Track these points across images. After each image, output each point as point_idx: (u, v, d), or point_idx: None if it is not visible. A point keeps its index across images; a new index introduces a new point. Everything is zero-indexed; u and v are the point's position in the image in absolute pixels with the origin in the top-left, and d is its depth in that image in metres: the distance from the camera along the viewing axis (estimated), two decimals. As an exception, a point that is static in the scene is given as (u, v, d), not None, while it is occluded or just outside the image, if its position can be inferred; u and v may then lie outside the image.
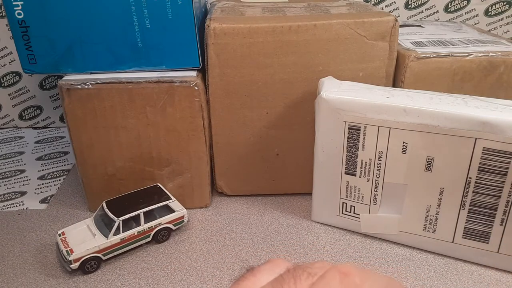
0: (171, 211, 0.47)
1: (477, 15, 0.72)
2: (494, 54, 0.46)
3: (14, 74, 0.74)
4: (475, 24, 0.73)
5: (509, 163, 0.38)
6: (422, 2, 0.72)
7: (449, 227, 0.43)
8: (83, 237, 0.44)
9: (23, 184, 0.60)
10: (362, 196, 0.45)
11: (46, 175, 0.62)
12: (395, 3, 0.72)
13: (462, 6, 0.72)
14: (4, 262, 0.45)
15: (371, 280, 0.16)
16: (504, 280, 0.41)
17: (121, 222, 0.44)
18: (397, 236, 0.46)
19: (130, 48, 0.46)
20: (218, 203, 0.55)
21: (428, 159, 0.41)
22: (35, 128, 0.78)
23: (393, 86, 0.49)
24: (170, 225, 0.47)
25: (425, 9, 0.72)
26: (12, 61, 0.73)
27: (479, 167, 0.39)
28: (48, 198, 0.57)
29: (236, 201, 0.55)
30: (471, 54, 0.47)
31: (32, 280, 0.42)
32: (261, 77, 0.48)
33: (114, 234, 0.43)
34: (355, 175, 0.45)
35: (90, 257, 0.42)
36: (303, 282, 0.16)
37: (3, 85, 0.74)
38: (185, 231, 0.49)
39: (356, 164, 0.44)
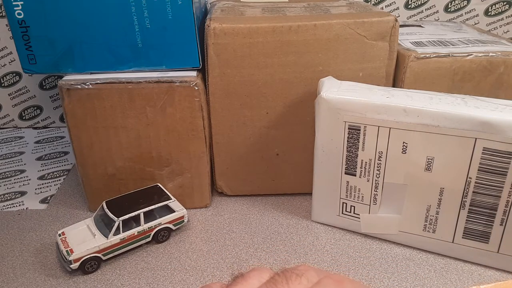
0: (171, 211, 0.47)
1: (477, 15, 0.72)
2: (494, 54, 0.46)
3: (14, 74, 0.74)
4: (475, 24, 0.73)
5: (509, 163, 0.38)
6: (422, 2, 0.72)
7: (449, 227, 0.43)
8: (83, 237, 0.44)
9: (23, 184, 0.60)
10: (362, 196, 0.45)
11: (46, 175, 0.62)
12: (395, 3, 0.72)
13: (462, 6, 0.72)
14: (4, 262, 0.45)
15: (360, 285, 0.18)
16: (504, 280, 0.41)
17: (121, 222, 0.44)
18: (397, 236, 0.46)
19: (130, 48, 0.46)
20: (218, 203, 0.55)
21: (428, 159, 0.41)
22: (35, 128, 0.78)
23: (393, 86, 0.49)
24: (170, 225, 0.47)
25: (425, 9, 0.72)
26: (12, 61, 0.73)
27: (479, 167, 0.39)
28: (48, 198, 0.57)
29: (236, 201, 0.55)
30: (471, 54, 0.47)
31: (32, 280, 0.42)
32: (261, 77, 0.48)
33: (114, 234, 0.43)
34: (355, 175, 0.45)
35: (90, 257, 0.42)
36: (294, 282, 0.18)
37: (3, 85, 0.74)
38: (185, 231, 0.49)
39: (356, 164, 0.44)
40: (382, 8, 0.72)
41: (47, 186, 0.59)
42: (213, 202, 0.55)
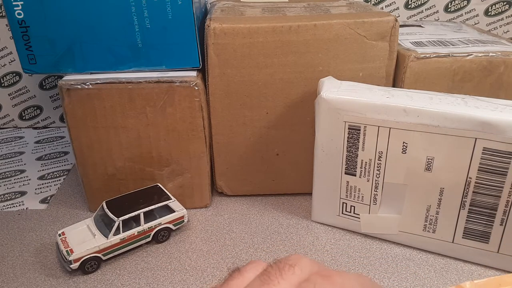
0: (171, 211, 0.47)
1: (477, 15, 0.72)
2: (494, 54, 0.46)
3: (14, 74, 0.74)
4: (475, 24, 0.73)
5: (509, 163, 0.38)
6: (422, 2, 0.72)
7: (449, 227, 0.43)
8: (83, 237, 0.44)
9: (23, 184, 0.60)
10: (362, 196, 0.45)
11: (46, 175, 0.62)
12: (395, 3, 0.72)
13: (462, 6, 0.72)
14: (4, 262, 0.45)
15: (348, 279, 0.18)
16: (504, 280, 0.41)
17: (121, 222, 0.44)
18: (397, 236, 0.46)
19: (130, 48, 0.46)
20: (218, 203, 0.55)
21: (428, 159, 0.41)
22: (35, 128, 0.78)
23: (393, 86, 0.49)
24: (170, 225, 0.47)
25: (425, 9, 0.72)
26: (12, 61, 0.73)
27: (479, 167, 0.39)
28: (48, 198, 0.57)
29: (236, 201, 0.55)
30: (471, 54, 0.47)
31: (32, 280, 0.42)
32: (261, 77, 0.48)
33: (114, 234, 0.43)
34: (355, 175, 0.45)
35: (90, 257, 0.42)
36: (287, 272, 0.18)
37: (3, 85, 0.74)
38: (185, 231, 0.49)
39: (356, 164, 0.44)
40: (382, 8, 0.72)
41: (47, 186, 0.59)
42: (213, 202, 0.55)
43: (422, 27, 0.61)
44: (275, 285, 0.17)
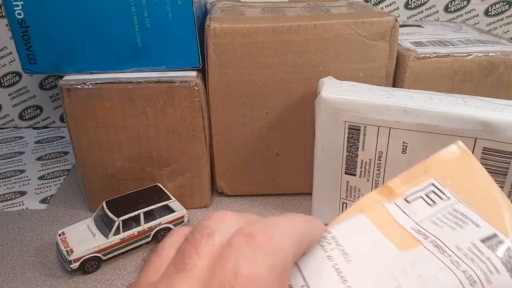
0: (171, 211, 0.47)
1: (477, 15, 0.72)
2: (494, 54, 0.46)
3: (14, 74, 0.74)
4: (475, 24, 0.73)
5: (509, 163, 0.38)
6: (422, 2, 0.72)
7: (449, 227, 0.43)
8: (83, 237, 0.44)
9: (23, 184, 0.60)
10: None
11: (46, 175, 0.62)
12: (395, 3, 0.72)
13: (462, 6, 0.72)
14: (4, 262, 0.45)
15: (277, 236, 0.15)
16: (504, 280, 0.41)
17: (121, 222, 0.44)
18: (397, 236, 0.46)
19: (130, 48, 0.46)
20: (218, 203, 0.55)
21: (428, 159, 0.41)
22: (35, 128, 0.78)
23: (393, 86, 0.49)
24: (170, 225, 0.47)
25: (425, 9, 0.72)
26: (12, 61, 0.73)
27: (479, 167, 0.39)
28: (48, 198, 0.57)
29: (236, 201, 0.55)
30: (471, 54, 0.47)
31: (32, 280, 0.42)
32: (261, 77, 0.48)
33: (114, 234, 0.43)
34: (355, 175, 0.45)
35: (90, 257, 0.42)
36: (205, 247, 0.15)
37: (3, 85, 0.74)
38: (185, 231, 0.49)
39: (356, 164, 0.44)
40: (382, 8, 0.72)
41: (47, 186, 0.59)
42: (213, 202, 0.55)
43: (422, 27, 0.61)
44: (191, 269, 0.14)
